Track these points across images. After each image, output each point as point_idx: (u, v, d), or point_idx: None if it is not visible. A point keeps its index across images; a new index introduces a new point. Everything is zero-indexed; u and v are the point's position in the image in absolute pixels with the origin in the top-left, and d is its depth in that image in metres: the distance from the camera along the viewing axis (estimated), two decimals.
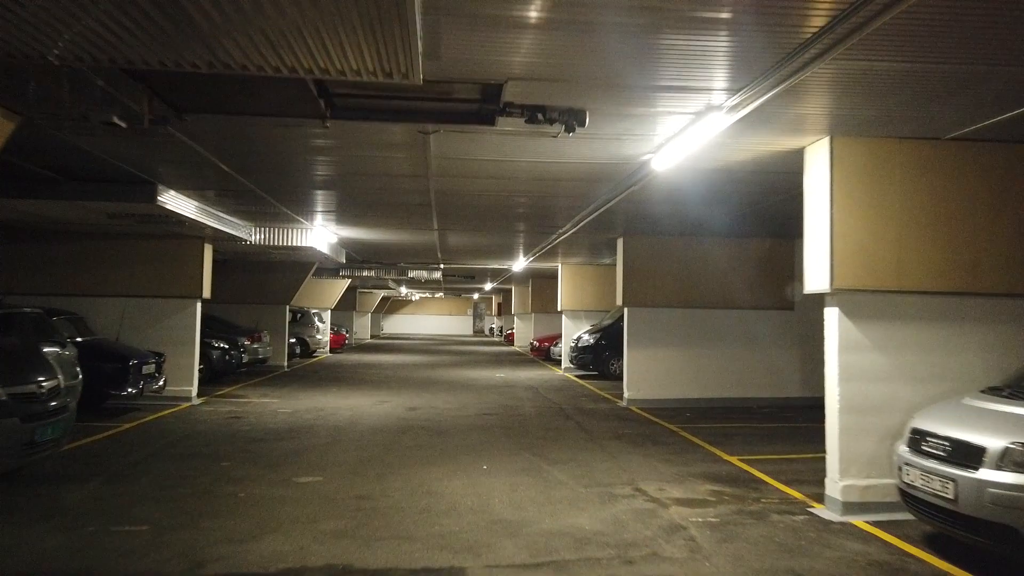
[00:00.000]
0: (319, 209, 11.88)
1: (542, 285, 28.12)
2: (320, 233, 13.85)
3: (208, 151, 7.36)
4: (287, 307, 20.42)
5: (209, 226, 11.40)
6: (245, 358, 17.03)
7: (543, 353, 26.28)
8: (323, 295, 27.07)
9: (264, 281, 19.83)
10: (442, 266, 22.33)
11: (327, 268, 24.35)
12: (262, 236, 13.54)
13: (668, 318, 13.62)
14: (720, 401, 13.38)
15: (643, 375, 13.56)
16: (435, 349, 33.97)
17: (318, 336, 25.58)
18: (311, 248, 13.88)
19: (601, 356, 18.81)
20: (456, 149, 7.24)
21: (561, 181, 8.86)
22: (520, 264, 20.92)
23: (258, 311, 19.90)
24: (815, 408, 13.64)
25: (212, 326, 17.52)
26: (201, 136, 6.85)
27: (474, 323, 59.45)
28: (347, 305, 34.30)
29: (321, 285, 26.83)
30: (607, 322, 19.42)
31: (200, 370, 15.57)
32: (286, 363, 20.33)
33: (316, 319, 25.73)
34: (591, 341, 19.00)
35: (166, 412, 11.72)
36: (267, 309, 20.05)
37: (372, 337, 43.62)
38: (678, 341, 13.60)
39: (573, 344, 19.68)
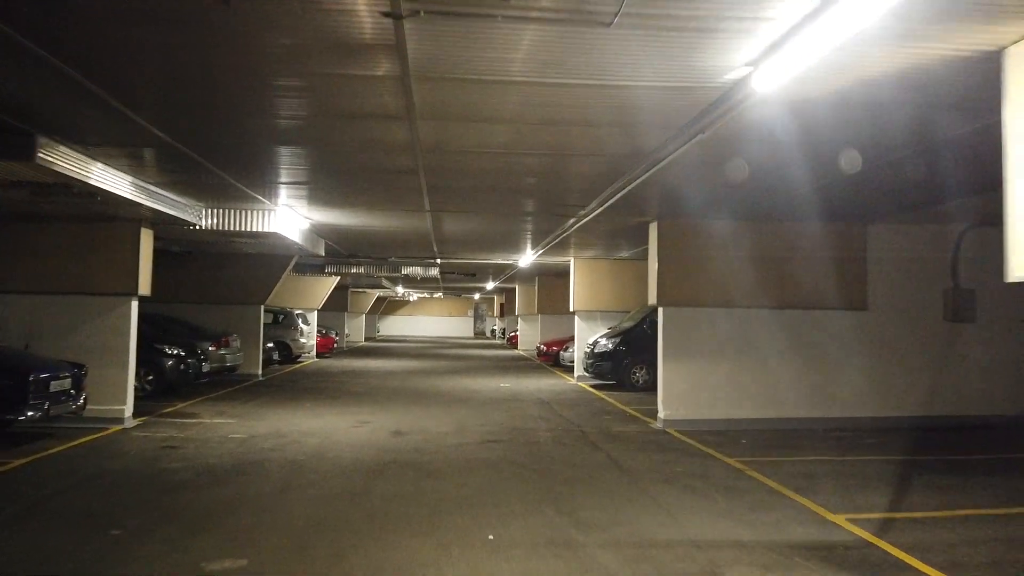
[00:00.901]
0: (280, 181, 9.38)
1: (550, 283, 25.66)
2: (287, 216, 11.32)
3: (61, 59, 4.83)
4: (262, 307, 17.90)
5: (140, 204, 8.91)
6: (207, 367, 14.51)
7: (551, 358, 23.78)
8: (308, 295, 24.55)
9: (235, 278, 17.32)
10: (439, 261, 19.83)
11: (310, 264, 21.93)
12: (215, 220, 11.02)
13: (712, 320, 11.07)
14: (778, 423, 10.83)
15: (682, 390, 11.03)
16: (433, 353, 31.47)
17: (302, 340, 23.05)
18: (277, 235, 11.36)
19: (621, 364, 16.27)
20: (446, 58, 4.70)
21: (594, 127, 6.35)
22: (527, 259, 18.42)
23: (229, 312, 17.40)
24: (897, 432, 11.09)
25: (172, 330, 15.11)
26: (25, 26, 4.33)
27: (475, 325, 57.01)
28: (338, 306, 31.80)
29: (305, 283, 24.32)
30: (628, 324, 16.91)
31: (149, 382, 13.20)
32: (260, 371, 17.79)
33: (300, 321, 23.21)
34: (609, 347, 16.48)
35: (84, 440, 9.20)
36: (239, 310, 17.53)
37: (367, 340, 41.10)
38: (725, 348, 11.06)
39: (588, 350, 17.15)
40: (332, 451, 8.83)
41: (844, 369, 11.07)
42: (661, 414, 11.03)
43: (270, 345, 19.76)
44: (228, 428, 10.38)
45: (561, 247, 16.09)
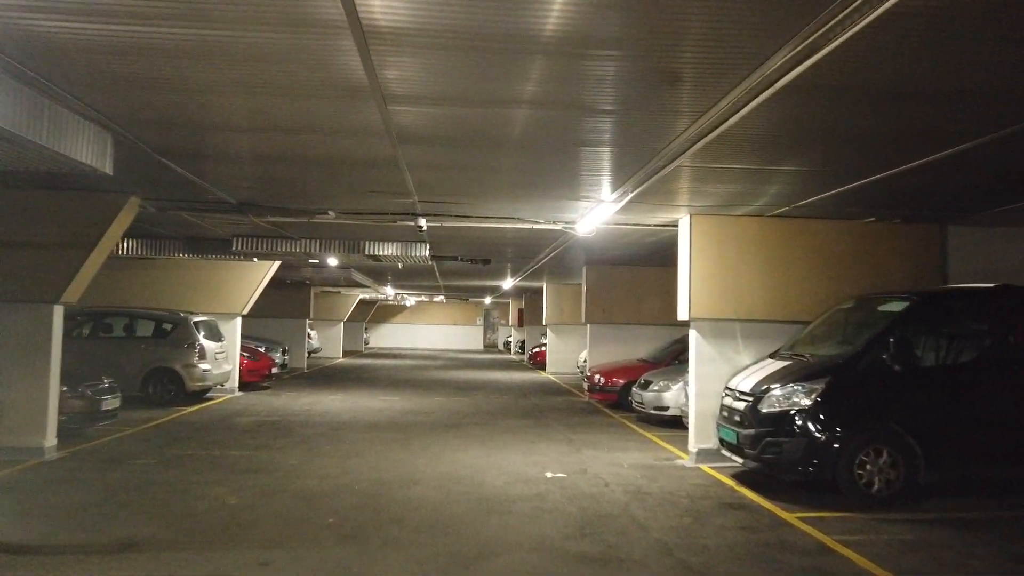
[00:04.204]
0: None
1: (606, 278, 16.69)
2: None
3: None
4: (60, 309, 8.71)
5: None
6: None
7: (613, 396, 14.59)
8: (225, 292, 15.41)
9: None
10: (424, 226, 10.57)
11: (206, 238, 12.82)
12: None
13: None
14: None
15: None
16: (428, 377, 22.15)
17: (201, 366, 13.78)
18: None
19: (829, 445, 6.99)
20: None
21: None
22: (598, 214, 9.27)
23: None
24: None
25: None
26: None
27: (485, 335, 47.94)
28: (296, 311, 22.82)
29: (218, 274, 15.21)
30: (835, 351, 7.66)
31: None
32: (50, 441, 8.56)
33: (202, 333, 13.99)
34: (803, 402, 7.16)
35: None
36: (5, 316, 8.45)
37: (346, 354, 31.92)
38: None
39: (742, 404, 7.80)
40: None
41: None
42: None
43: (105, 384, 10.51)
44: None
45: (669, 184, 7.02)
